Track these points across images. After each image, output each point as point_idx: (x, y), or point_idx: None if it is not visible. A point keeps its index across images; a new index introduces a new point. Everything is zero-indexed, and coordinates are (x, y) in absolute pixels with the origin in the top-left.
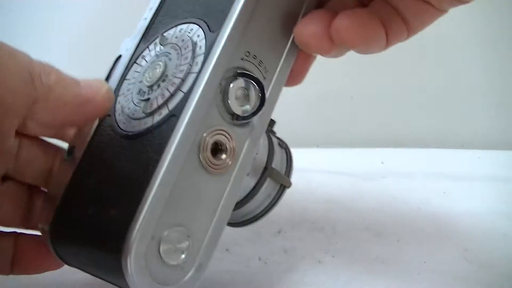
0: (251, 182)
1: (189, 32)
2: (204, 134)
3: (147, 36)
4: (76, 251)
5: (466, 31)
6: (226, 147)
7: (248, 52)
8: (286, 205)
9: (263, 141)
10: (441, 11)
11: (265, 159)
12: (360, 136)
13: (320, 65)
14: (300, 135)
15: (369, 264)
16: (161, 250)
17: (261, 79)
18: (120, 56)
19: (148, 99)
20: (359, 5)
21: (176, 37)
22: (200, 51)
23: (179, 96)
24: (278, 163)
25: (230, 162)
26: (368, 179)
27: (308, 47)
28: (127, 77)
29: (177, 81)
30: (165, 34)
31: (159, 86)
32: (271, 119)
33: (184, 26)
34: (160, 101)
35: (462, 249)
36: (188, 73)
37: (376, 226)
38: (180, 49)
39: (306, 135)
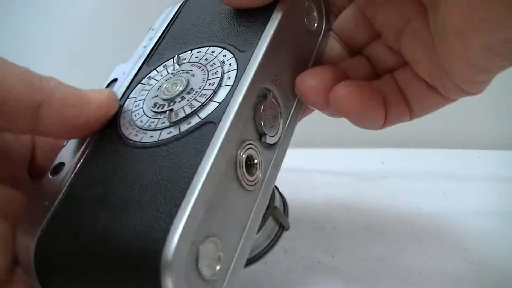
0: None
1: (212, 54)
2: (240, 147)
3: (150, 61)
4: (77, 278)
5: None
6: (256, 163)
7: (276, 76)
8: None
9: None
10: (448, 99)
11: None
12: (360, 136)
13: None
14: (300, 135)
15: (369, 264)
16: (199, 261)
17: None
18: (115, 80)
19: (171, 109)
20: (372, 73)
21: (197, 57)
22: (231, 67)
23: (213, 105)
24: (278, 203)
25: (260, 179)
26: (368, 179)
27: (304, 98)
28: (131, 96)
29: (208, 92)
30: (181, 56)
31: (183, 98)
32: None
33: (202, 49)
34: (189, 110)
35: (462, 249)
36: (219, 86)
37: (376, 226)
38: (205, 66)
39: (306, 135)
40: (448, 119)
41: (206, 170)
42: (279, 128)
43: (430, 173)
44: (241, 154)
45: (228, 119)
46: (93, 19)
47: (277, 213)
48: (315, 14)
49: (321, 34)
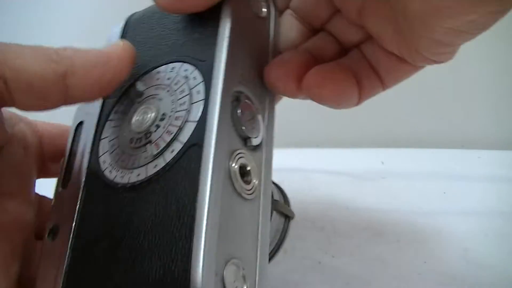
0: None
1: (172, 70)
2: (231, 159)
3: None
4: None
5: None
6: (249, 170)
7: (243, 75)
8: None
9: None
10: (416, 67)
11: None
12: (360, 136)
13: None
14: (300, 135)
15: (369, 264)
16: (226, 286)
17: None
18: (81, 122)
19: (150, 141)
20: (338, 50)
21: (158, 79)
22: (196, 81)
23: (190, 126)
24: (276, 195)
25: (257, 184)
26: (368, 179)
27: (275, 89)
28: (102, 136)
29: (182, 113)
30: (141, 81)
31: (158, 126)
32: None
33: (161, 68)
34: (168, 138)
35: (462, 249)
36: (191, 103)
37: (376, 226)
38: (170, 86)
39: (306, 135)
40: (448, 119)
41: (207, 197)
42: (260, 127)
43: (430, 173)
44: (234, 165)
45: (211, 138)
46: (93, 19)
47: (279, 206)
48: None
49: (272, 17)
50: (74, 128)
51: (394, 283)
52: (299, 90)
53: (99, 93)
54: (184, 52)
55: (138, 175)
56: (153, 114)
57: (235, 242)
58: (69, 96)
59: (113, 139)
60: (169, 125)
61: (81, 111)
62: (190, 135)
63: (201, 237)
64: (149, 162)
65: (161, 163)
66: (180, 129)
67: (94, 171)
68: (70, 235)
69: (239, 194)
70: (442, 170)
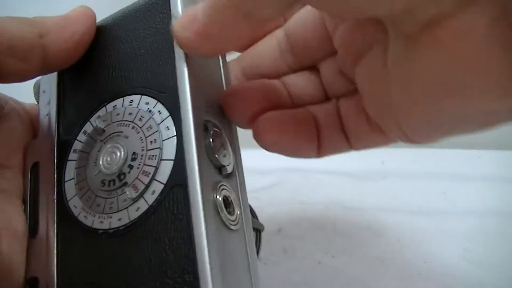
0: None
1: (131, 104)
2: (215, 193)
3: (63, 132)
4: None
5: None
6: (231, 200)
7: (207, 103)
8: (286, 205)
9: None
10: (389, 139)
11: None
12: None
13: None
14: None
15: (369, 264)
16: None
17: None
18: (36, 163)
19: (125, 183)
20: (318, 94)
21: (118, 114)
22: (163, 115)
23: (167, 165)
24: None
25: (239, 214)
26: (368, 179)
27: (233, 119)
28: (66, 178)
29: (155, 152)
30: (96, 120)
31: (131, 166)
32: None
33: (117, 102)
34: (146, 179)
35: (462, 249)
36: (163, 140)
37: (376, 226)
38: (134, 123)
39: None
40: None
41: (204, 239)
42: (230, 153)
43: (430, 173)
44: (219, 198)
45: (195, 177)
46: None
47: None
48: None
49: None
50: (29, 169)
51: (394, 283)
52: (251, 125)
53: (73, 51)
54: (137, 83)
55: (120, 219)
56: (122, 154)
57: (234, 277)
58: (48, 56)
59: (80, 181)
60: (143, 165)
61: (34, 151)
62: (170, 175)
63: (207, 282)
64: (129, 206)
65: (143, 206)
66: (157, 168)
67: (66, 217)
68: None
69: (227, 227)
70: (442, 170)
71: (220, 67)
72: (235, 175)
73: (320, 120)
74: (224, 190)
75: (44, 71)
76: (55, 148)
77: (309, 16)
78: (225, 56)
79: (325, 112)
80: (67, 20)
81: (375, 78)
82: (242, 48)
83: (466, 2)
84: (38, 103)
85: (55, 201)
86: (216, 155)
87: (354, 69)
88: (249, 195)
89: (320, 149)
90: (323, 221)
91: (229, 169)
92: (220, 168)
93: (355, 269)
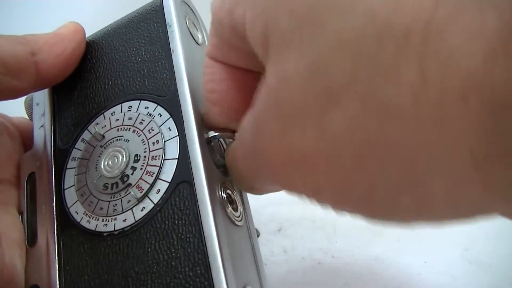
0: None
1: (129, 109)
2: (219, 190)
3: (59, 142)
4: None
5: None
6: (234, 197)
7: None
8: (286, 204)
9: None
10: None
11: None
12: None
13: None
14: None
15: (369, 264)
16: None
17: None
18: (32, 173)
19: (129, 184)
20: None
21: (117, 119)
22: (163, 117)
23: (171, 164)
24: None
25: (242, 210)
26: None
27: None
28: (66, 186)
29: (159, 152)
30: (95, 126)
31: (134, 168)
32: None
33: (115, 109)
34: (151, 179)
35: (462, 249)
36: (165, 141)
37: (376, 226)
38: (134, 126)
39: None
40: None
41: (213, 232)
42: None
43: None
44: (223, 195)
45: (201, 174)
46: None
47: None
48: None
49: (206, 43)
50: (25, 179)
51: (394, 283)
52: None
53: (65, 66)
54: (134, 90)
55: (125, 220)
56: (124, 157)
57: (244, 269)
58: (41, 72)
59: (81, 187)
60: (147, 165)
61: (29, 162)
62: (174, 173)
63: (220, 273)
64: (133, 206)
65: (148, 205)
66: (161, 168)
67: (68, 223)
68: None
69: (233, 222)
70: None
71: None
72: None
73: None
74: (227, 188)
75: (37, 87)
76: (52, 158)
77: None
78: None
79: None
80: (57, 37)
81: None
82: None
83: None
84: (30, 117)
85: (54, 209)
86: (218, 155)
87: None
88: (249, 195)
89: None
90: (323, 221)
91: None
92: (221, 167)
93: (355, 269)
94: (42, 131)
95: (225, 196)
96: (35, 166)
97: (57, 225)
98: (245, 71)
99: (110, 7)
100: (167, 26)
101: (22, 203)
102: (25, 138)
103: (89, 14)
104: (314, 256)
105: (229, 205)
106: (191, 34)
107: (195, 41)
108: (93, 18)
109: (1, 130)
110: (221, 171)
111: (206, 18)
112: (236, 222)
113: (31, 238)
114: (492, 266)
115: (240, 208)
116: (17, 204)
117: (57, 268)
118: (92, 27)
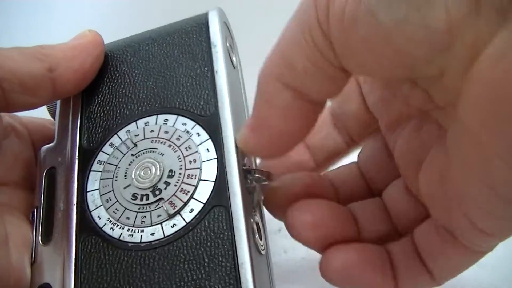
0: None
1: (165, 123)
2: (251, 217)
3: (85, 141)
4: None
5: None
6: (260, 226)
7: None
8: None
9: None
10: (471, 251)
11: None
12: None
13: None
14: None
15: None
16: None
17: None
18: (53, 168)
19: (161, 199)
20: (368, 190)
21: (152, 131)
22: (201, 137)
23: (207, 186)
24: None
25: (264, 238)
26: None
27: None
28: (89, 188)
29: (195, 172)
30: (127, 132)
31: (168, 183)
32: None
33: (149, 119)
34: (185, 197)
35: None
36: (202, 161)
37: None
38: (171, 141)
39: None
40: None
41: (247, 255)
42: (258, 179)
43: None
44: (253, 223)
45: (238, 200)
46: (94, 18)
47: None
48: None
49: (239, 67)
50: (43, 173)
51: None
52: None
53: (82, 81)
54: (173, 104)
55: (153, 234)
56: (158, 170)
57: None
58: (57, 88)
59: (107, 193)
60: (182, 183)
61: (50, 157)
62: (210, 195)
63: None
64: (163, 221)
65: (180, 222)
66: (196, 187)
67: (88, 227)
68: None
69: (259, 251)
70: None
71: (242, 93)
72: (260, 203)
73: (393, 253)
74: (256, 216)
75: (51, 101)
76: (76, 157)
77: (372, 144)
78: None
79: (400, 246)
80: (75, 50)
81: (438, 179)
82: None
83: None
84: (50, 111)
85: (74, 209)
86: (251, 182)
87: (416, 180)
88: None
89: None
90: None
91: (257, 196)
92: (252, 194)
93: None
94: (66, 127)
95: (254, 223)
96: (56, 161)
97: (79, 228)
98: (311, 103)
99: (110, 7)
100: (212, 46)
101: (37, 197)
102: (35, 138)
103: (89, 14)
104: (314, 256)
105: (256, 233)
106: (229, 56)
107: (232, 64)
108: (92, 17)
109: (8, 131)
110: (252, 198)
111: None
112: (261, 251)
113: (46, 235)
114: (492, 266)
115: (263, 236)
116: (24, 205)
117: (73, 270)
118: (92, 27)
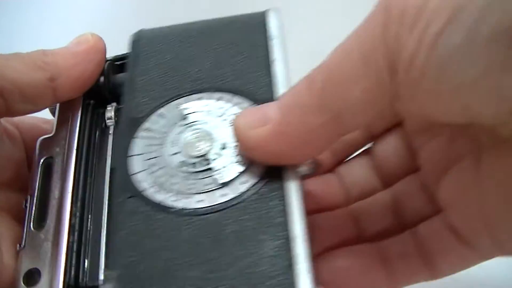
0: None
1: (219, 99)
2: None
3: (129, 109)
4: None
5: None
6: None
7: None
8: None
9: None
10: (480, 256)
11: None
12: None
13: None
14: None
15: None
16: None
17: None
18: (50, 157)
19: (210, 169)
20: (391, 221)
21: (206, 105)
22: None
23: (260, 165)
24: None
25: None
26: None
27: None
28: (134, 152)
29: None
30: (182, 104)
31: (219, 154)
32: None
33: (202, 95)
34: (237, 169)
35: None
36: None
37: None
38: (222, 116)
39: None
40: None
41: (300, 234)
42: None
43: None
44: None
45: (293, 180)
46: (94, 18)
47: None
48: None
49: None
50: (39, 161)
51: None
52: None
53: (82, 88)
54: (228, 85)
55: (200, 201)
56: (210, 141)
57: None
58: (58, 96)
59: (153, 158)
60: (235, 156)
61: (48, 146)
62: (264, 172)
63: (303, 272)
64: (213, 190)
65: (230, 192)
66: (249, 164)
67: (129, 189)
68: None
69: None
70: None
71: None
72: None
73: (390, 250)
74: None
75: (52, 105)
76: (75, 147)
77: (393, 139)
78: None
79: (399, 243)
80: (77, 57)
81: (465, 189)
82: None
83: None
84: (51, 110)
85: (69, 197)
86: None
87: (437, 183)
88: None
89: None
90: None
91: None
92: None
93: None
94: (66, 119)
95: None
96: (54, 151)
97: (117, 188)
98: (344, 129)
99: (110, 7)
100: (271, 38)
101: (33, 185)
102: (26, 138)
103: (89, 14)
104: None
105: None
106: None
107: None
108: (93, 17)
109: (0, 133)
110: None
111: None
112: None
113: (38, 221)
114: (492, 266)
115: None
116: (15, 207)
117: (63, 256)
118: (92, 27)
